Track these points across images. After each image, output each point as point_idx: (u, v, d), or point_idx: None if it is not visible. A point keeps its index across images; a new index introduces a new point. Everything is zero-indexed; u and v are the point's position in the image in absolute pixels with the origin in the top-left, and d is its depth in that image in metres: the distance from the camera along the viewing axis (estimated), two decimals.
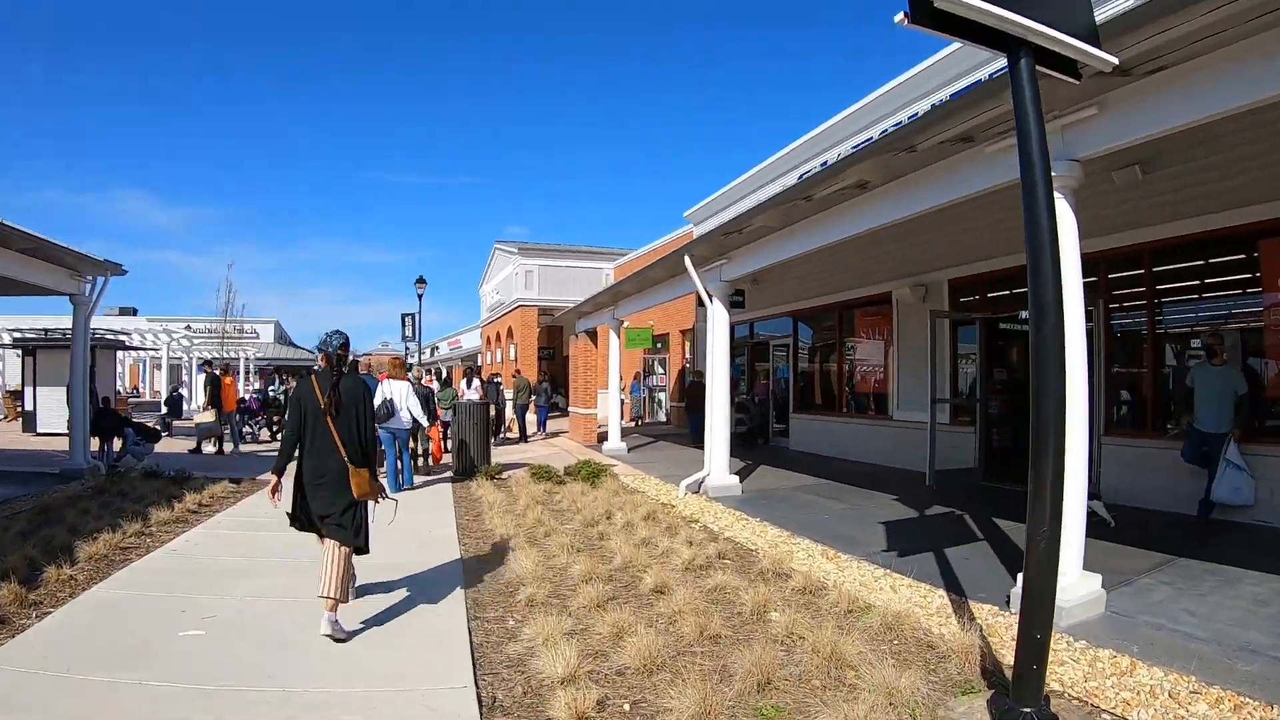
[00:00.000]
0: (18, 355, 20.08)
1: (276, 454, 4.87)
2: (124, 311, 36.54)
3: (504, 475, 11.15)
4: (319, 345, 4.93)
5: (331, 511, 4.59)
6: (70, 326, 11.91)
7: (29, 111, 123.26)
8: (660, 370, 24.98)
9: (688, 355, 22.85)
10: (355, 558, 4.87)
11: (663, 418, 24.40)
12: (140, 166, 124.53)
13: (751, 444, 15.66)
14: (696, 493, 10.14)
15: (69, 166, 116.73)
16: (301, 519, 4.80)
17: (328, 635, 4.32)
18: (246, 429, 17.06)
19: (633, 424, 23.08)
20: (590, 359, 17.60)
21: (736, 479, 10.29)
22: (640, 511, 8.28)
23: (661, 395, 25.02)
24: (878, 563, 6.12)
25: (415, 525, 7.62)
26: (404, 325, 25.27)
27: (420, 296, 23.84)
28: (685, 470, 10.91)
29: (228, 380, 15.14)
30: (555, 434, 19.70)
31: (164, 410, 19.14)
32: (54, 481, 10.46)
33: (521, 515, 8.15)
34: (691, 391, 17.13)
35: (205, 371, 15.64)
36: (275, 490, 4.84)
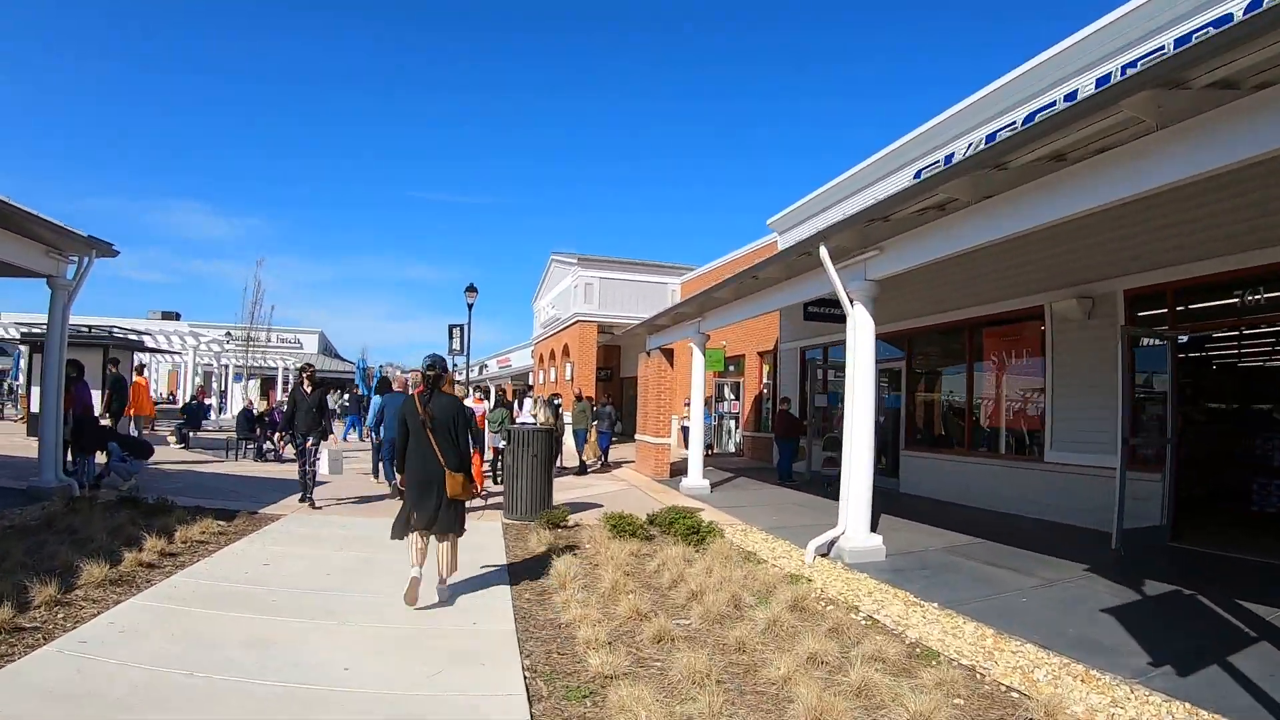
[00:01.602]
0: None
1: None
2: (166, 315, 35.51)
3: (570, 522, 8.59)
4: (421, 368, 5.78)
5: (437, 511, 5.32)
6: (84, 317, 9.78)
7: (85, 119, 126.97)
8: (731, 396, 22.30)
9: (765, 380, 20.20)
10: None
11: (732, 448, 21.67)
12: (194, 179, 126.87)
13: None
14: (826, 555, 7.61)
15: (127, 175, 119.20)
16: (405, 524, 5.42)
17: (442, 603, 5.31)
18: (268, 445, 14.85)
19: (704, 453, 20.38)
20: (665, 380, 15.05)
21: (879, 540, 7.68)
22: (781, 597, 5.64)
23: (731, 424, 22.32)
24: (1160, 689, 4.07)
25: (451, 613, 5.14)
26: (451, 337, 23.04)
27: (470, 306, 21.65)
28: (789, 519, 9.30)
29: (140, 381, 12.63)
30: (617, 464, 17.15)
31: (181, 419, 17.09)
32: (18, 500, 8.44)
33: (609, 600, 5.55)
34: (783, 422, 14.42)
35: (110, 371, 13.32)
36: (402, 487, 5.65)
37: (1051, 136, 4.91)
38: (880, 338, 14.41)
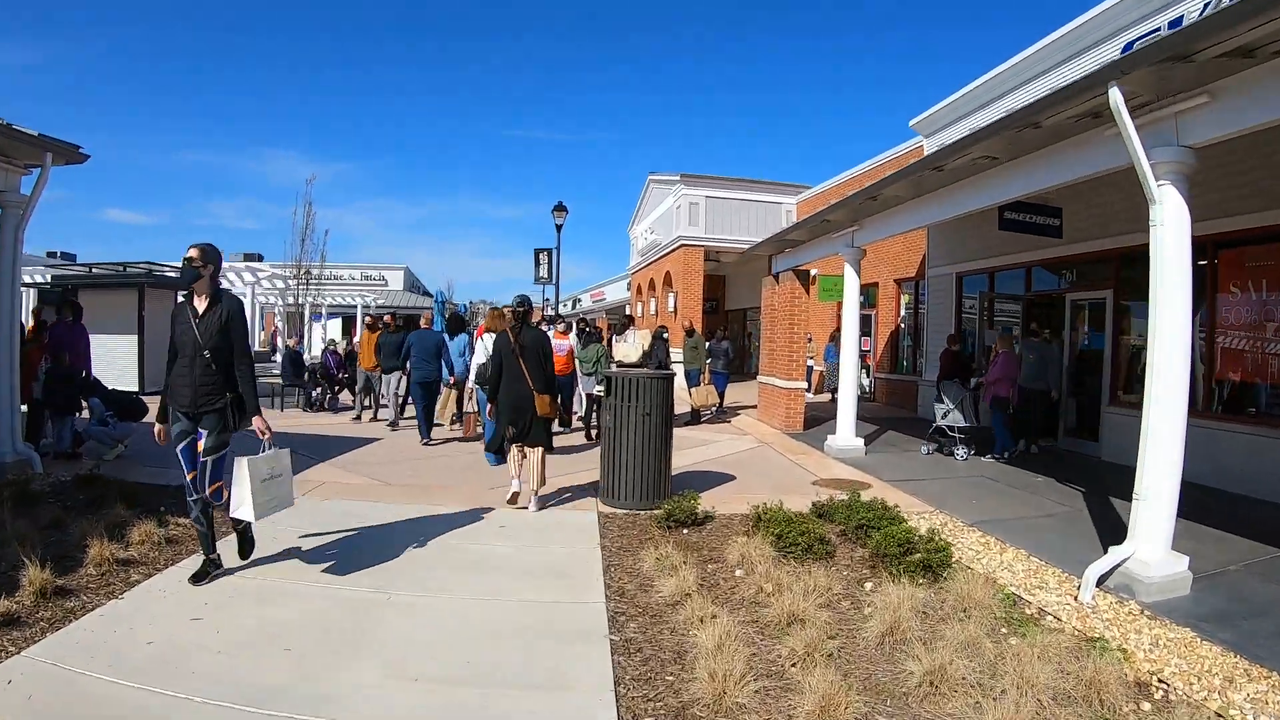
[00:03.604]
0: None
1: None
2: (249, 257, 34.27)
3: (701, 520, 5.67)
4: (510, 306, 6.38)
5: (529, 427, 5.92)
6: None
7: (172, 73, 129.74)
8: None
9: (904, 312, 16.65)
10: None
11: (864, 390, 18.27)
12: (285, 128, 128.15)
13: (977, 447, 9.45)
14: (1100, 585, 4.58)
15: (216, 127, 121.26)
16: (502, 442, 6.04)
17: (527, 508, 5.94)
18: (316, 392, 12.56)
19: (827, 397, 17.16)
20: (799, 309, 11.84)
21: (1185, 562, 4.65)
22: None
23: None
24: None
25: None
26: (538, 264, 20.24)
27: (559, 228, 18.80)
28: (993, 505, 6.79)
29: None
30: (733, 409, 14.19)
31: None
32: None
33: None
34: (954, 365, 10.90)
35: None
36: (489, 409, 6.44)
37: None
38: (1077, 259, 11.01)
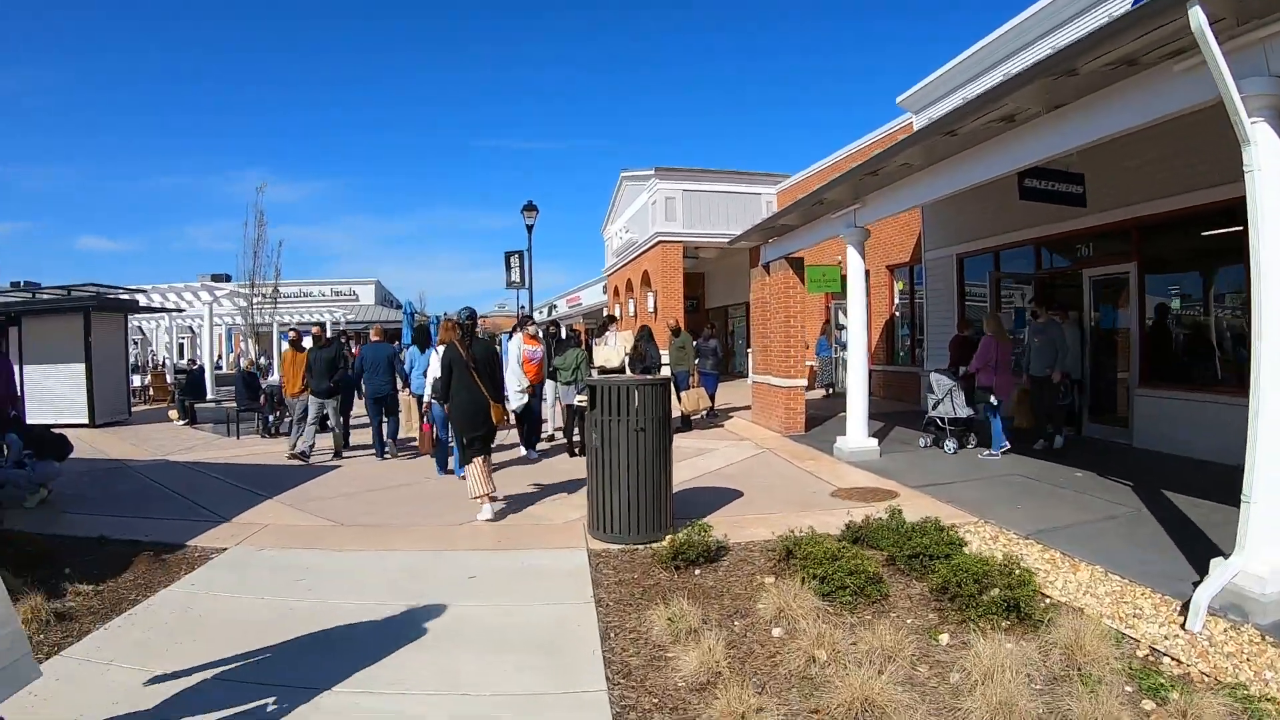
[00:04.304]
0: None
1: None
2: (216, 277, 32.94)
3: (715, 553, 4.68)
4: (455, 318, 6.67)
5: (481, 434, 5.98)
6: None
7: (144, 95, 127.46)
8: (846, 322, 17.91)
9: (898, 300, 15.83)
10: None
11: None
12: (256, 146, 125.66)
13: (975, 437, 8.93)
14: (1214, 611, 3.73)
15: (189, 151, 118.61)
16: (467, 454, 6.04)
17: (488, 519, 5.84)
18: (274, 415, 11.42)
19: (823, 394, 16.28)
20: (794, 300, 10.91)
21: None
22: None
23: (845, 356, 17.93)
24: None
25: None
26: (509, 267, 19.05)
27: (530, 228, 17.72)
28: (1043, 510, 5.92)
29: None
30: (724, 411, 13.26)
31: (180, 393, 13.90)
32: None
33: None
34: (964, 353, 9.96)
35: None
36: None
37: None
38: (1093, 232, 10.17)
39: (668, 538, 4.92)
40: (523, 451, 9.26)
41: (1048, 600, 3.87)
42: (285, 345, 10.99)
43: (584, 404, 6.56)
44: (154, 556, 4.93)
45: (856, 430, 8.82)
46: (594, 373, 9.57)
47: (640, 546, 4.95)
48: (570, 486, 7.08)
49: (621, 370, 9.94)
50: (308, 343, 9.43)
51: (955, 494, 6.50)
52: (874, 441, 8.82)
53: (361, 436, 10.00)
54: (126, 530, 5.60)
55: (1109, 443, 9.09)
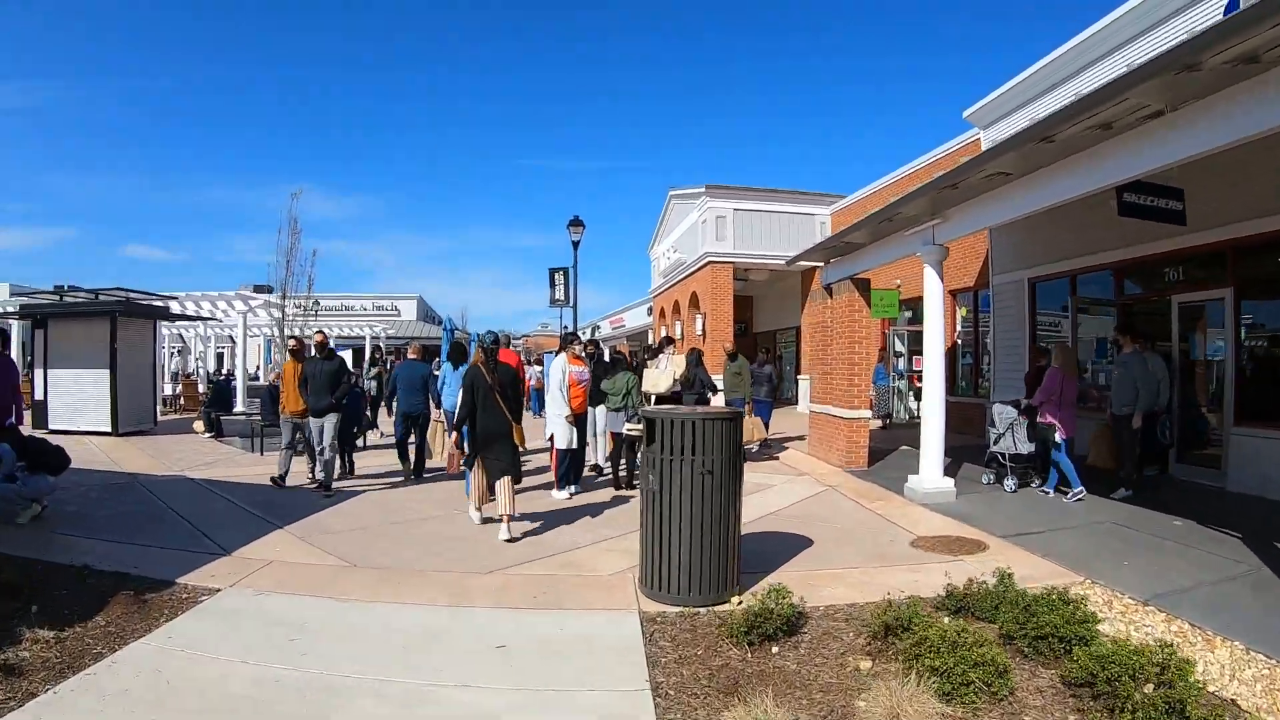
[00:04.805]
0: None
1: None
2: (259, 288, 33.06)
3: (793, 622, 3.82)
4: (478, 341, 6.67)
5: (502, 457, 5.97)
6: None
7: (192, 111, 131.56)
8: (904, 349, 16.87)
9: (960, 327, 14.78)
10: None
11: (907, 417, 16.26)
12: (305, 163, 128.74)
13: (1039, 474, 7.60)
14: None
15: (236, 165, 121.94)
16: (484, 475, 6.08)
17: (506, 540, 5.76)
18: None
19: (880, 425, 15.22)
20: (859, 325, 10.02)
21: None
22: None
23: (902, 384, 16.83)
24: None
25: None
26: (553, 284, 18.53)
27: (576, 244, 17.14)
28: (1151, 569, 5.04)
29: None
30: (779, 442, 12.36)
31: (205, 404, 13.46)
32: None
33: None
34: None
35: None
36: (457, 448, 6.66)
37: None
38: (1183, 254, 9.06)
39: (734, 598, 4.12)
40: (555, 489, 7.95)
41: (1211, 696, 2.98)
42: (285, 358, 10.05)
43: (634, 432, 5.81)
44: (135, 595, 4.25)
45: (931, 469, 7.88)
46: (650, 399, 8.83)
47: (701, 610, 4.12)
48: (618, 527, 6.28)
49: (670, 396, 9.16)
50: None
51: (1050, 545, 5.62)
52: (949, 482, 7.88)
53: (384, 458, 9.37)
54: (115, 559, 4.97)
55: (1199, 485, 8.12)
